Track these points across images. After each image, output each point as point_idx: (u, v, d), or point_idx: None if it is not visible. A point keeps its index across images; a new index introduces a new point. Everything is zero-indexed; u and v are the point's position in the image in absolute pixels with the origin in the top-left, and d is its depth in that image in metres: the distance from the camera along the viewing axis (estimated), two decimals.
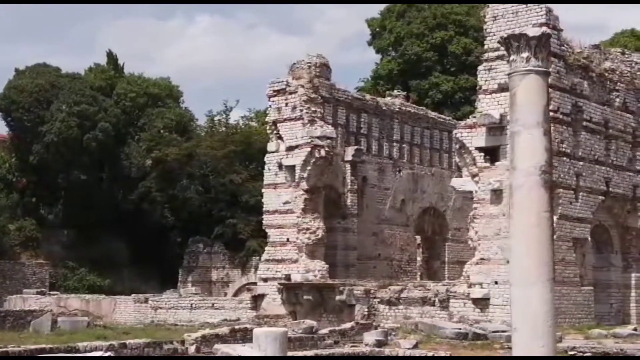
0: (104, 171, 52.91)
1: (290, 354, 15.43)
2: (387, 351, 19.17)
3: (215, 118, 58.58)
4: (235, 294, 45.98)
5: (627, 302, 30.16)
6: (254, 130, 54.36)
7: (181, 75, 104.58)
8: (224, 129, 57.47)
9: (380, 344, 20.98)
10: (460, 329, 23.11)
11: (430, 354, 18.25)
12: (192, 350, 18.76)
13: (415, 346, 20.81)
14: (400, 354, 18.53)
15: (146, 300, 37.44)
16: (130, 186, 52.04)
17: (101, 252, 49.95)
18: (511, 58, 9.63)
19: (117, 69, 57.47)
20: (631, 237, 30.79)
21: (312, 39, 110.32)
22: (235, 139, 52.39)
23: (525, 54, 9.34)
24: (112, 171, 52.76)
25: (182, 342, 18.76)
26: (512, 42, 9.42)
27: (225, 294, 46.34)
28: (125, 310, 38.12)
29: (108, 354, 14.21)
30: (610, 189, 29.35)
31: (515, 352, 9.19)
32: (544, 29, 9.50)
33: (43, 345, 16.52)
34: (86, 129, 50.13)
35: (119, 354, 16.37)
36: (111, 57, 58.12)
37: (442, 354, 18.63)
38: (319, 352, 18.62)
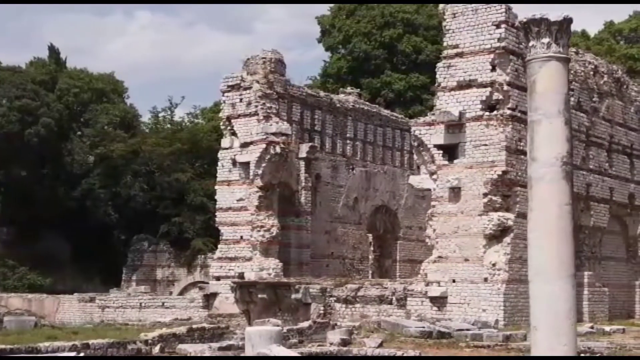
0: (46, 167, 51.58)
1: None
2: (355, 350, 18.82)
3: (160, 115, 57.72)
4: (181, 293, 45.35)
5: (579, 300, 30.29)
6: (200, 128, 53.68)
7: (122, 71, 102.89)
8: (169, 125, 56.65)
9: (345, 342, 20.64)
10: (424, 327, 22.89)
11: (399, 353, 17.94)
12: (156, 350, 18.16)
13: (381, 345, 20.53)
14: (369, 353, 18.19)
15: (92, 300, 36.71)
16: (73, 183, 50.88)
17: (42, 250, 48.68)
18: (530, 44, 9.32)
19: (59, 63, 56.13)
20: (584, 236, 31.02)
21: (252, 37, 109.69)
22: (182, 136, 51.65)
23: (545, 40, 9.07)
24: (54, 167, 51.46)
25: (146, 342, 18.13)
26: (532, 27, 9.13)
27: (171, 293, 45.67)
28: (70, 309, 37.37)
29: (82, 354, 13.59)
30: None
31: (535, 352, 8.91)
32: (566, 13, 9.27)
33: (2, 346, 15.76)
34: (27, 124, 48.81)
35: (83, 354, 15.70)
36: (53, 50, 56.70)
37: (411, 353, 18.34)
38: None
